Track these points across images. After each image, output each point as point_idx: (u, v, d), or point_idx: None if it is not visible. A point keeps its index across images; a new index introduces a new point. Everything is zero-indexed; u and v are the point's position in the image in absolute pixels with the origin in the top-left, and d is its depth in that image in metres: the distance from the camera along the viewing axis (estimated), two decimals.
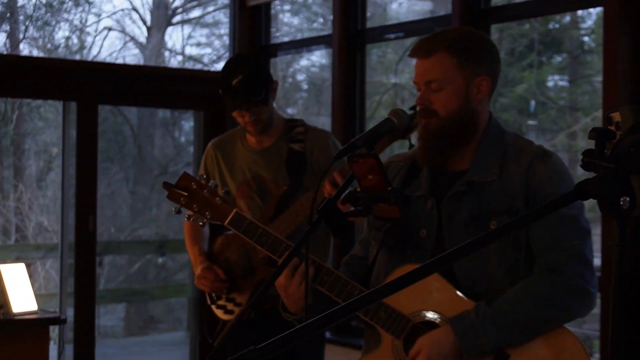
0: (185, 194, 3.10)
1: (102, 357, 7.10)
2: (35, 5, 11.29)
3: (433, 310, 2.71)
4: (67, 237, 6.58)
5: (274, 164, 4.05)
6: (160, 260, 10.38)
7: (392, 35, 6.01)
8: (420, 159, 2.77)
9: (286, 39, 7.97)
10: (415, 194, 2.78)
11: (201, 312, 6.54)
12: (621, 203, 1.63)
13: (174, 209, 3.14)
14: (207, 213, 3.10)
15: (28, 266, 9.16)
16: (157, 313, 11.28)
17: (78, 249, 6.24)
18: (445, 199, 2.72)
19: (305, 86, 12.26)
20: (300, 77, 12.39)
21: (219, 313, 4.17)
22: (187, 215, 3.13)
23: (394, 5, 9.69)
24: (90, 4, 11.97)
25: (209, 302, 4.18)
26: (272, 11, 6.76)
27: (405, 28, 5.98)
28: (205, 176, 3.16)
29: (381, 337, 2.75)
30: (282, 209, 3.93)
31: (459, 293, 2.67)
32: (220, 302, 4.15)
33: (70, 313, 6.30)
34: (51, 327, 4.97)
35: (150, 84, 6.49)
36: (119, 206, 11.12)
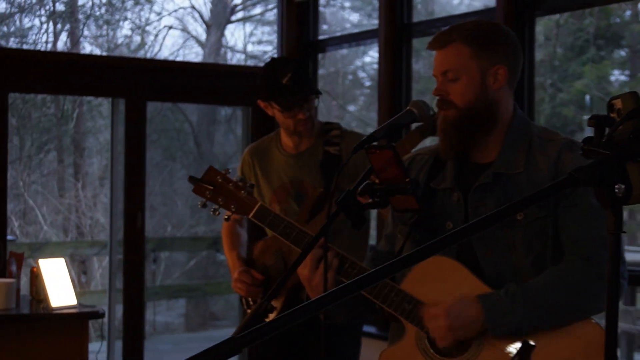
0: (211, 187, 3.10)
1: (154, 353, 7.15)
2: (95, 3, 11.43)
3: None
4: (117, 234, 6.64)
5: (309, 167, 4.01)
6: (218, 257, 10.44)
7: (436, 30, 5.94)
8: (442, 151, 2.75)
9: (337, 34, 7.94)
10: (441, 187, 2.76)
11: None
12: (616, 190, 1.58)
13: (199, 202, 3.14)
14: (232, 206, 3.10)
15: (82, 262, 9.31)
16: (217, 309, 11.36)
17: (127, 245, 6.30)
18: (471, 191, 2.69)
19: (367, 83, 12.24)
20: (362, 74, 12.39)
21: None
22: (212, 209, 3.13)
23: (454, 3, 9.63)
24: (151, 2, 12.09)
25: (245, 306, 4.16)
26: (324, 8, 6.74)
27: (451, 22, 5.90)
28: (230, 171, 3.15)
29: (405, 328, 2.72)
30: (318, 213, 3.90)
31: (484, 285, 2.64)
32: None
33: (119, 309, 6.36)
34: (98, 323, 5.01)
35: (196, 80, 6.52)
36: (176, 203, 11.21)
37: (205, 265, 10.83)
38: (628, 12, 9.68)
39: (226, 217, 3.14)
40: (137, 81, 6.30)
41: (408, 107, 2.69)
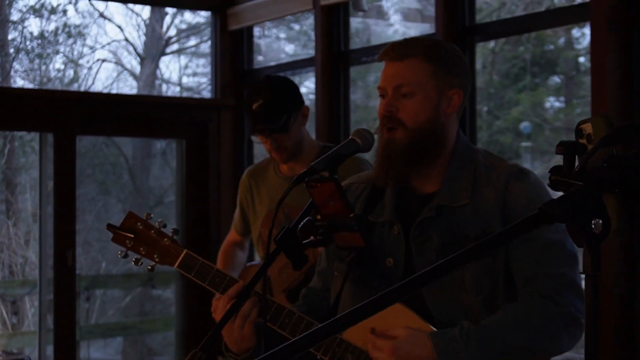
0: (132, 235, 2.88)
1: None
2: (26, 37, 11.20)
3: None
4: (48, 273, 6.41)
5: (304, 191, 3.88)
6: (154, 292, 10.21)
7: (372, 57, 5.85)
8: (378, 177, 2.55)
9: (273, 64, 7.83)
10: (380, 220, 2.57)
11: (188, 347, 6.35)
12: (592, 226, 1.41)
13: (120, 252, 2.91)
14: (155, 256, 2.87)
15: (13, 303, 9.03)
16: (154, 345, 11.11)
17: (57, 284, 6.08)
18: (413, 225, 2.51)
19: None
20: None
21: None
22: (134, 260, 2.90)
23: (390, 32, 9.57)
24: (83, 35, 11.88)
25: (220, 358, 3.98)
26: (259, 39, 6.63)
27: None
28: (152, 216, 2.94)
29: None
30: None
31: (434, 329, 2.45)
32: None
33: (50, 350, 6.13)
34: None
35: (129, 113, 6.34)
36: (109, 239, 10.96)
37: (141, 301, 10.59)
38: (562, 39, 9.73)
39: (150, 268, 2.92)
40: (66, 115, 6.10)
41: (350, 137, 2.49)
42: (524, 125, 8.43)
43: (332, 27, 5.67)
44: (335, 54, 5.66)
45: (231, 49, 6.46)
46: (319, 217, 2.41)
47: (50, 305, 6.31)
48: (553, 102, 9.85)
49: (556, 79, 9.84)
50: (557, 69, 9.65)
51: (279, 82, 3.86)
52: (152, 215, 2.92)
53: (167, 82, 12.74)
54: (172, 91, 12.60)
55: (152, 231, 2.88)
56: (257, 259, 4.20)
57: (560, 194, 1.47)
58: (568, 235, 2.36)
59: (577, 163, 1.53)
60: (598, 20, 4.02)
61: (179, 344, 6.76)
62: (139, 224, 2.89)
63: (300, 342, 1.37)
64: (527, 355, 2.42)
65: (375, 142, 2.52)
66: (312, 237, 2.41)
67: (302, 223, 2.39)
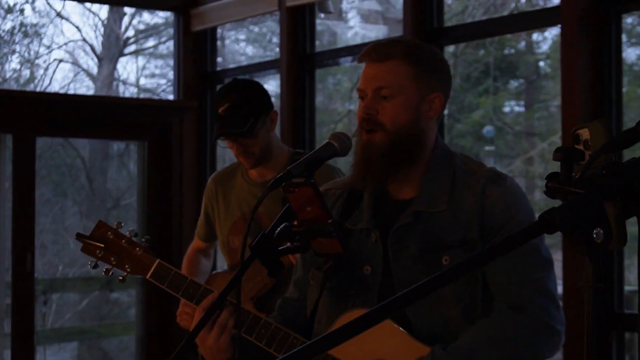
0: (102, 245, 2.78)
1: None
2: None
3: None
4: (5, 276, 6.29)
5: (273, 198, 3.78)
6: (112, 296, 10.08)
7: (342, 59, 5.81)
8: (356, 180, 2.48)
9: (235, 66, 7.76)
10: (357, 227, 2.50)
11: (148, 353, 6.26)
12: (594, 235, 1.35)
13: (90, 263, 2.82)
14: (127, 266, 2.78)
15: None
16: (110, 350, 10.98)
17: (15, 288, 5.96)
18: (391, 232, 2.44)
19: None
20: None
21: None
22: (104, 270, 2.81)
23: (350, 34, 9.55)
24: (40, 35, 11.72)
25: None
26: (223, 39, 6.55)
27: (355, 51, 5.79)
28: (122, 224, 2.84)
29: None
30: None
31: (412, 338, 2.38)
32: None
33: (7, 355, 6.01)
34: None
35: (88, 114, 6.22)
36: (68, 242, 10.83)
37: (99, 305, 10.46)
38: (522, 43, 9.76)
39: (121, 278, 2.83)
40: (26, 116, 5.98)
41: (328, 140, 2.42)
42: (487, 130, 8.42)
43: (298, 29, 5.61)
44: (300, 56, 5.60)
45: (194, 50, 6.38)
46: (295, 222, 2.32)
47: (7, 310, 6.17)
48: (513, 106, 9.87)
49: (516, 83, 9.87)
50: (518, 73, 9.68)
51: (246, 86, 3.77)
52: (122, 224, 2.83)
53: (125, 83, 12.62)
54: (130, 92, 12.47)
55: (123, 240, 2.79)
56: (224, 266, 4.09)
57: (549, 201, 1.44)
58: (543, 240, 2.39)
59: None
60: (569, 23, 3.99)
61: (139, 349, 6.65)
62: (109, 233, 2.80)
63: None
64: None
65: (353, 146, 2.46)
66: (288, 244, 2.32)
67: (279, 229, 2.29)
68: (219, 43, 10.97)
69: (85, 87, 12.32)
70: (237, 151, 3.67)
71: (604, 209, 1.36)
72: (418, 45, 2.48)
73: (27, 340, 6.00)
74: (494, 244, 1.37)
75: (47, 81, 11.90)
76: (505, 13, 8.16)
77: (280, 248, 2.30)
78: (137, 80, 12.70)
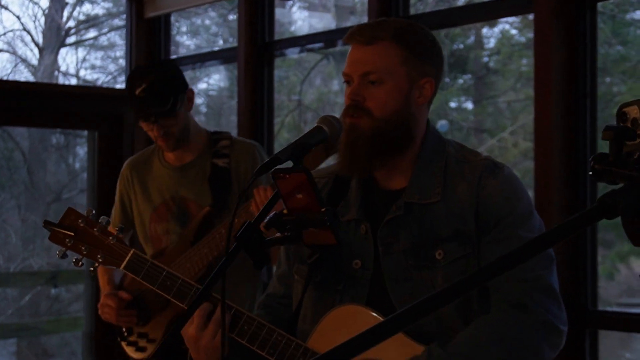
0: (72, 234, 2.64)
1: None
2: None
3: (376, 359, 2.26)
4: None
5: (195, 182, 3.64)
6: (53, 291, 9.83)
7: (298, 48, 5.69)
8: (341, 167, 2.34)
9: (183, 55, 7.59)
10: (345, 218, 2.37)
11: (96, 349, 6.07)
12: None
13: (58, 252, 2.66)
14: (99, 256, 2.64)
15: None
16: (50, 346, 10.75)
17: None
18: (381, 225, 2.32)
19: (203, 109, 11.90)
20: (199, 100, 12.04)
21: (130, 351, 3.71)
22: (74, 260, 2.66)
23: (298, 23, 9.43)
24: None
25: (119, 338, 3.72)
26: (173, 26, 6.39)
27: (316, 39, 5.69)
28: (94, 212, 2.70)
29: None
30: (205, 233, 3.50)
31: (406, 337, 2.25)
32: (132, 339, 3.69)
33: None
34: None
35: (35, 102, 6.00)
36: (8, 235, 10.57)
37: (40, 301, 10.21)
38: (472, 38, 9.73)
39: (92, 269, 2.69)
40: None
41: (317, 124, 2.27)
42: (442, 124, 8.35)
43: (257, 18, 5.47)
44: (259, 46, 5.47)
45: (147, 37, 6.20)
46: (285, 211, 2.18)
47: None
48: (462, 102, 9.84)
49: (466, 78, 9.83)
50: (467, 68, 9.64)
51: (161, 65, 3.75)
52: (94, 212, 2.69)
53: (66, 74, 12.37)
54: (71, 84, 12.22)
55: (95, 229, 2.66)
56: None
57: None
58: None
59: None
60: (542, 10, 3.90)
61: (86, 345, 6.45)
62: (79, 221, 2.66)
63: None
64: None
65: (341, 129, 2.31)
66: (278, 234, 2.18)
67: (269, 217, 2.15)
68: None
69: (24, 78, 12.04)
70: (157, 133, 3.56)
71: None
72: (408, 26, 2.36)
73: None
74: (541, 235, 1.26)
75: None
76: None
77: (268, 239, 2.15)
78: (77, 71, 12.47)
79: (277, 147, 5.51)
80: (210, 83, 11.60)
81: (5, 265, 10.09)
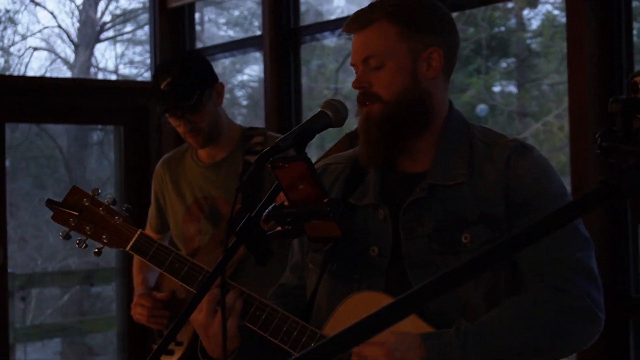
0: (76, 213, 2.52)
1: None
2: None
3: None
4: None
5: (227, 180, 3.48)
6: (93, 290, 9.77)
7: (325, 34, 5.49)
8: (362, 158, 2.26)
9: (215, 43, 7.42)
10: (362, 203, 2.26)
11: (130, 349, 5.93)
12: None
13: (61, 233, 2.55)
14: (104, 236, 2.51)
15: None
16: (96, 345, 10.72)
17: None
18: (402, 208, 2.20)
19: (244, 102, 11.78)
20: (239, 92, 11.91)
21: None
22: (77, 241, 2.54)
23: (337, 11, 9.25)
24: (14, 22, 11.38)
25: (154, 342, 3.59)
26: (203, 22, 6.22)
27: (341, 25, 5.47)
28: (100, 191, 2.57)
29: None
30: None
31: (426, 325, 2.13)
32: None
33: None
34: None
35: (60, 99, 5.87)
36: (47, 235, 10.53)
37: (81, 300, 10.16)
38: (513, 21, 9.48)
39: (97, 250, 2.55)
40: None
41: (320, 109, 2.17)
42: (481, 108, 8.13)
43: (281, 3, 5.28)
44: (284, 32, 5.28)
45: (171, 28, 6.05)
46: (286, 203, 2.06)
47: None
48: (505, 86, 9.60)
49: (508, 62, 9.59)
50: (509, 51, 9.40)
51: (187, 58, 3.56)
52: (99, 191, 2.56)
53: (104, 70, 12.30)
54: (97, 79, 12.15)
55: (101, 208, 2.52)
56: None
57: None
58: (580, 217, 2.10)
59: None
60: None
61: (120, 344, 6.33)
62: (84, 199, 2.53)
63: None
64: (535, 356, 2.11)
65: (348, 114, 2.22)
66: (278, 227, 2.06)
67: (267, 210, 2.03)
68: (197, 27, 10.68)
69: (62, 76, 11.99)
70: (184, 129, 3.41)
71: None
72: (402, 1, 2.23)
73: (2, 338, 5.66)
74: (545, 217, 1.12)
75: (22, 70, 11.58)
76: None
77: (269, 232, 2.03)
78: (116, 67, 12.40)
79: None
80: (251, 75, 11.47)
81: (44, 265, 10.04)
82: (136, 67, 12.46)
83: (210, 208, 3.50)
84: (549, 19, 9.12)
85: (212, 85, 3.41)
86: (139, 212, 5.70)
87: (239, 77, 11.75)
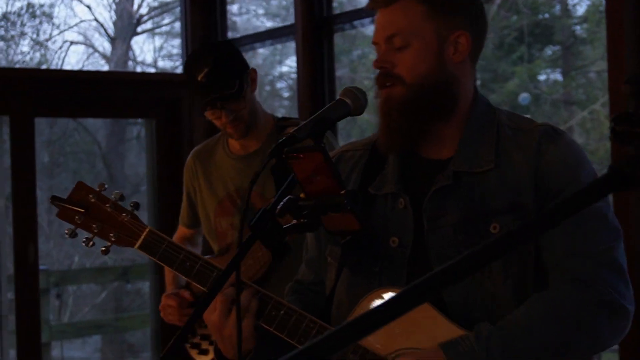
0: (82, 210, 2.41)
1: None
2: None
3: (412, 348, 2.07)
4: (7, 269, 5.87)
5: (266, 173, 3.32)
6: (129, 287, 9.68)
7: (367, 21, 5.30)
8: (382, 143, 2.15)
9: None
10: (382, 192, 2.16)
11: (163, 347, 5.79)
12: None
13: (67, 230, 2.45)
14: (112, 234, 2.41)
15: None
16: (137, 342, 10.65)
17: (18, 281, 5.49)
18: (426, 196, 2.10)
19: (286, 94, 11.66)
20: (281, 84, 11.79)
21: (194, 353, 3.49)
22: (84, 240, 2.43)
23: None
24: (50, 16, 11.31)
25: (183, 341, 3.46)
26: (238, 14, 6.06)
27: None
28: (106, 186, 2.45)
29: None
30: None
31: (451, 323, 2.02)
32: (195, 340, 3.48)
33: (12, 354, 5.58)
34: None
35: (90, 92, 5.73)
36: (81, 231, 10.47)
37: (118, 296, 10.08)
38: (557, 7, 9.26)
39: (104, 249, 2.44)
40: (22, 95, 5.50)
41: (339, 97, 2.06)
42: (523, 97, 7.91)
43: None
44: (317, 20, 5.09)
45: (202, 19, 5.89)
46: (302, 195, 1.98)
47: (11, 305, 5.74)
48: (550, 74, 9.38)
49: (553, 50, 9.37)
50: (553, 39, 9.18)
51: (220, 46, 3.43)
52: (106, 186, 2.45)
53: (142, 63, 12.21)
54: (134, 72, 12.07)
55: (107, 205, 2.42)
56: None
57: None
58: (610, 205, 2.10)
59: None
60: None
61: (154, 342, 6.20)
62: (90, 196, 2.42)
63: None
64: (562, 355, 2.01)
65: (369, 103, 2.12)
66: (295, 220, 1.98)
67: (282, 203, 1.94)
68: (237, 19, 10.53)
69: (99, 69, 11.92)
70: (225, 119, 3.29)
71: None
72: None
73: (34, 336, 5.54)
74: (552, 206, 1.06)
75: (59, 64, 11.52)
76: None
77: (285, 226, 1.96)
78: (155, 60, 12.31)
79: (342, 131, 5.14)
80: (292, 66, 11.33)
81: (81, 262, 9.97)
82: (174, 60, 12.37)
83: (244, 201, 3.36)
84: (594, 5, 8.88)
85: (247, 72, 3.31)
86: (172, 207, 5.58)
87: (279, 69, 11.63)
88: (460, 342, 1.96)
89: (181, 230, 3.67)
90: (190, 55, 3.39)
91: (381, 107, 2.10)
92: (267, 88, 11.69)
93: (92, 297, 10.05)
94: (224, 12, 5.97)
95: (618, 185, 1.02)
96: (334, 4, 5.28)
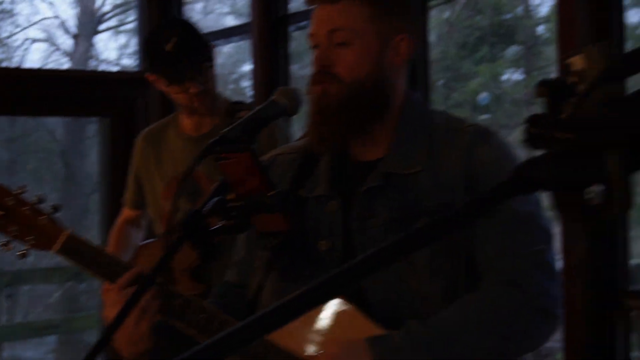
0: (1, 213, 2.33)
1: None
2: None
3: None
4: None
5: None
6: (82, 286, 9.59)
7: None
8: (312, 141, 2.11)
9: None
10: (313, 194, 2.14)
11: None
12: (591, 195, 1.00)
13: None
14: (30, 237, 2.32)
15: None
16: (92, 340, 10.57)
17: None
18: (356, 198, 2.09)
19: (250, 92, 11.62)
20: (245, 83, 11.76)
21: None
22: (2, 244, 2.33)
23: None
24: (11, 13, 11.20)
25: None
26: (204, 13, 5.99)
27: None
28: (27, 188, 2.36)
29: None
30: None
31: (374, 325, 1.99)
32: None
33: None
34: None
35: (47, 90, 5.63)
36: None
37: (72, 296, 10.00)
38: (520, 8, 9.31)
39: (19, 253, 2.34)
40: None
41: (272, 97, 2.03)
42: (482, 96, 7.94)
43: None
44: (273, 19, 5.03)
45: (158, 15, 5.80)
46: (232, 196, 1.96)
47: None
48: (512, 74, 9.43)
49: (515, 49, 9.42)
50: (516, 39, 9.23)
51: (183, 20, 3.41)
52: (27, 189, 2.36)
53: (105, 61, 12.11)
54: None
55: (26, 208, 2.32)
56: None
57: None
58: (542, 206, 2.09)
59: None
60: None
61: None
62: (8, 198, 2.33)
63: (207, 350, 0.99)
64: (489, 357, 2.01)
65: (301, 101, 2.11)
66: (223, 222, 1.97)
67: (210, 204, 1.93)
68: (201, 17, 10.46)
69: (61, 67, 11.81)
70: (195, 90, 3.20)
71: (604, 160, 1.00)
72: None
73: None
74: (457, 208, 1.04)
75: (20, 62, 11.43)
76: None
77: (212, 228, 1.95)
78: (119, 58, 12.22)
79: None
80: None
81: (36, 262, 9.87)
82: (135, 59, 12.29)
83: (191, 184, 3.30)
84: (557, 6, 8.94)
85: (211, 45, 3.27)
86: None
87: (243, 68, 11.58)
88: (388, 337, 1.93)
89: (126, 212, 3.61)
90: (154, 28, 3.33)
91: (315, 103, 2.06)
92: (231, 86, 11.65)
93: (46, 297, 9.97)
94: (180, 9, 5.91)
95: (523, 187, 1.01)
96: (290, 4, 5.23)
